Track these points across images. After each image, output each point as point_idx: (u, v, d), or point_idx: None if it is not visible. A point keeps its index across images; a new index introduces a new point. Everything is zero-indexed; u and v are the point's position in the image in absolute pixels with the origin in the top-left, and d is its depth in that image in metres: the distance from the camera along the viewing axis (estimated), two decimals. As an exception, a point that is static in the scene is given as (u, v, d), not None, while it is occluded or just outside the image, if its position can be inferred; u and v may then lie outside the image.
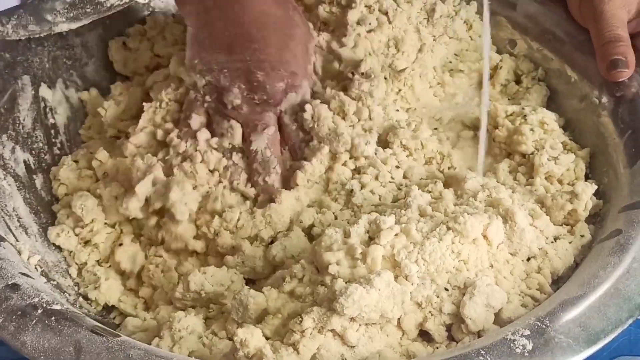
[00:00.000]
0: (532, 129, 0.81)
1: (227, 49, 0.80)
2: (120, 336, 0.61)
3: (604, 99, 0.81)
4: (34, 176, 0.84)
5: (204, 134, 0.80)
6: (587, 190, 0.74)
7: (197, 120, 0.80)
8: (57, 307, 0.62)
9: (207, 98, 0.81)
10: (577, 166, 0.80)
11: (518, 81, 0.93)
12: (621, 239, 0.67)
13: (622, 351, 0.75)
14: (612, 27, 0.81)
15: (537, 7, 0.92)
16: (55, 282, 0.76)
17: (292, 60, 0.81)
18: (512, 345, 0.58)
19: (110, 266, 0.80)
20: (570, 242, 0.72)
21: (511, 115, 0.83)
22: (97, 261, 0.80)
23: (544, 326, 0.59)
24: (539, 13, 0.91)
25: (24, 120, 0.85)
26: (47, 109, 0.88)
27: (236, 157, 0.79)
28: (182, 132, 0.81)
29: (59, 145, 0.89)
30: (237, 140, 0.79)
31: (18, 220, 0.78)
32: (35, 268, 0.74)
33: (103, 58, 0.95)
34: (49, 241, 0.80)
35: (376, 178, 0.79)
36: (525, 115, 0.83)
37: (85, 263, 0.79)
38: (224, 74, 0.80)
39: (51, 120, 0.89)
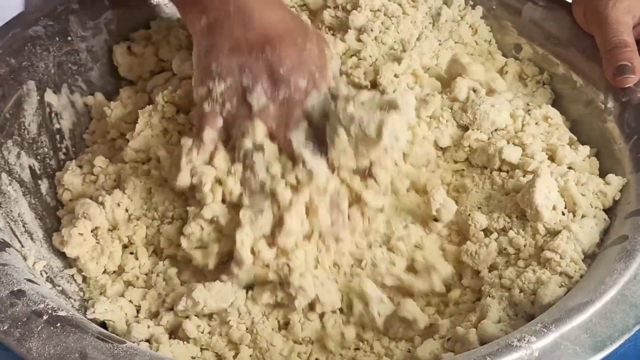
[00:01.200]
0: (537, 123, 0.82)
1: (247, 51, 0.78)
2: (125, 342, 0.61)
3: (610, 104, 0.81)
4: (39, 181, 0.84)
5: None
6: (619, 181, 0.75)
7: (209, 135, 0.77)
8: (63, 313, 0.62)
9: (227, 105, 0.78)
10: (592, 164, 0.80)
11: (523, 85, 0.93)
12: (627, 245, 0.66)
13: (628, 358, 0.74)
14: (618, 33, 0.81)
15: (542, 13, 0.92)
16: (60, 288, 0.76)
17: (310, 61, 0.79)
18: (518, 351, 0.58)
19: (114, 272, 0.79)
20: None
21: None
22: (104, 269, 0.80)
23: (550, 332, 0.59)
24: (544, 18, 0.91)
25: (29, 125, 0.85)
26: (53, 114, 0.88)
27: (257, 157, 0.76)
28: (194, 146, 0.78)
29: (64, 150, 0.89)
30: (260, 137, 0.76)
31: (23, 226, 0.78)
32: (41, 274, 0.74)
33: (108, 63, 0.95)
34: (54, 247, 0.80)
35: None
36: (529, 110, 0.83)
37: (90, 271, 0.79)
38: (245, 73, 0.77)
39: (56, 126, 0.89)
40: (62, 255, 0.79)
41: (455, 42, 0.93)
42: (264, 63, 0.77)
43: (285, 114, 0.77)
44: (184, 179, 0.76)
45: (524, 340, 0.59)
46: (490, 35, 0.95)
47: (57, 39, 0.90)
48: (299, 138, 0.76)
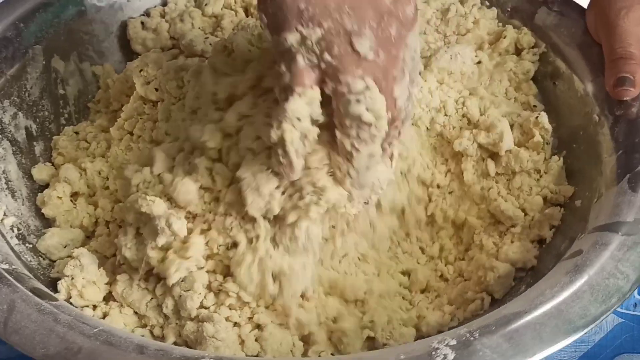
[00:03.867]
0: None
1: None
2: (57, 300, 0.63)
3: (604, 117, 0.78)
4: (35, 143, 0.86)
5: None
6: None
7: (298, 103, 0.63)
8: (5, 266, 0.65)
9: (326, 56, 0.61)
10: None
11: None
12: (579, 260, 0.64)
13: (625, 349, 0.75)
14: (625, 44, 0.78)
15: (555, 19, 0.89)
16: (31, 245, 0.78)
17: None
18: (433, 353, 0.57)
19: (88, 237, 0.81)
20: None
21: None
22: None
23: (472, 338, 0.57)
24: (556, 25, 0.88)
25: (31, 88, 0.87)
26: (58, 80, 0.90)
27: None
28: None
29: (66, 115, 0.91)
30: (379, 106, 0.63)
31: (6, 183, 0.80)
32: (12, 229, 0.77)
33: (121, 36, 0.97)
34: (37, 207, 0.82)
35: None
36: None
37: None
38: (347, 13, 0.60)
39: (61, 91, 0.91)
40: (42, 215, 0.82)
41: (462, 35, 0.92)
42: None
43: (390, 65, 0.63)
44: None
45: (444, 342, 0.57)
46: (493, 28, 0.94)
47: (70, 7, 0.92)
48: (404, 94, 0.64)
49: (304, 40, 0.61)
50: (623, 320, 0.79)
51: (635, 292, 0.68)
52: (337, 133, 0.64)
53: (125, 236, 0.72)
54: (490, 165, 0.81)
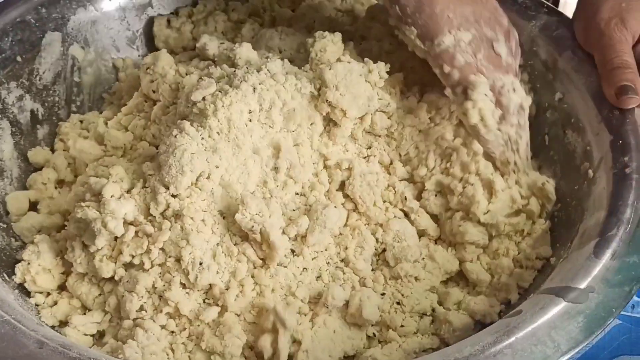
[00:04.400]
0: None
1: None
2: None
3: (600, 174, 0.73)
4: (39, 126, 0.88)
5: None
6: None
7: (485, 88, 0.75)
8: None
9: (479, 56, 0.75)
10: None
11: None
12: (513, 321, 0.60)
13: (623, 350, 0.76)
14: (620, 54, 0.78)
15: (576, 64, 0.83)
16: (5, 225, 0.80)
17: None
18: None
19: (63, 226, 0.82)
20: None
21: None
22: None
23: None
24: (575, 71, 0.83)
25: (43, 73, 0.89)
26: (75, 68, 0.92)
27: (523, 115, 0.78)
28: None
29: (78, 103, 0.93)
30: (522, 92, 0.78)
31: (-3, 161, 0.83)
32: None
33: (147, 32, 0.98)
34: (27, 188, 0.84)
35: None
36: None
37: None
38: (482, 23, 0.76)
39: (76, 79, 0.92)
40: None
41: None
42: (489, 14, 0.77)
43: (514, 66, 0.78)
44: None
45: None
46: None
47: (97, -1, 0.94)
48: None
49: (458, 41, 0.74)
50: (621, 322, 0.78)
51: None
52: (502, 127, 0.76)
53: (74, 252, 0.73)
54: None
